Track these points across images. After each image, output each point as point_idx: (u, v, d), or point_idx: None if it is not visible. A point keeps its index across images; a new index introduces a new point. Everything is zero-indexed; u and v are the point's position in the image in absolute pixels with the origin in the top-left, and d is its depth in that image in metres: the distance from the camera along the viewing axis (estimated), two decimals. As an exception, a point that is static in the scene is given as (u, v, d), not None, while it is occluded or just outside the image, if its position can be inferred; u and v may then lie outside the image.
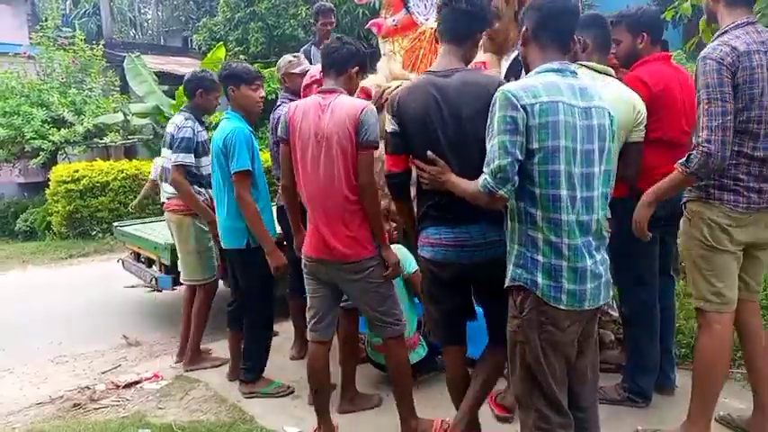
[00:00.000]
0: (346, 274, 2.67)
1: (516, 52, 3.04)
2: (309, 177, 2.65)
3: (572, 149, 1.83)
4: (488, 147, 1.86)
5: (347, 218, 2.61)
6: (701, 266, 2.49)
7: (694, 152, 2.31)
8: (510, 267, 1.95)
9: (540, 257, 1.87)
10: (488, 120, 1.89)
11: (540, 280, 1.86)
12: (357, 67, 2.75)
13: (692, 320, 3.54)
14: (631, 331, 3.02)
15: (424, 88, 2.26)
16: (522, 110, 1.80)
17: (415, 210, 2.48)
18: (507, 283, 1.96)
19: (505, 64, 3.08)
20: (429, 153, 2.18)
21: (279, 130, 2.79)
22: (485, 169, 1.87)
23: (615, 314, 3.46)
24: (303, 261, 2.80)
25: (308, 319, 2.84)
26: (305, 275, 2.81)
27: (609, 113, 1.96)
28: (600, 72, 2.70)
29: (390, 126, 2.32)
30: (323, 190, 2.61)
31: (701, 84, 2.31)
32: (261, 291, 3.43)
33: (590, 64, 2.71)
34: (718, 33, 2.41)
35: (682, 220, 2.62)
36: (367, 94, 3.37)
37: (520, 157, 1.81)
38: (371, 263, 2.64)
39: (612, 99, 2.25)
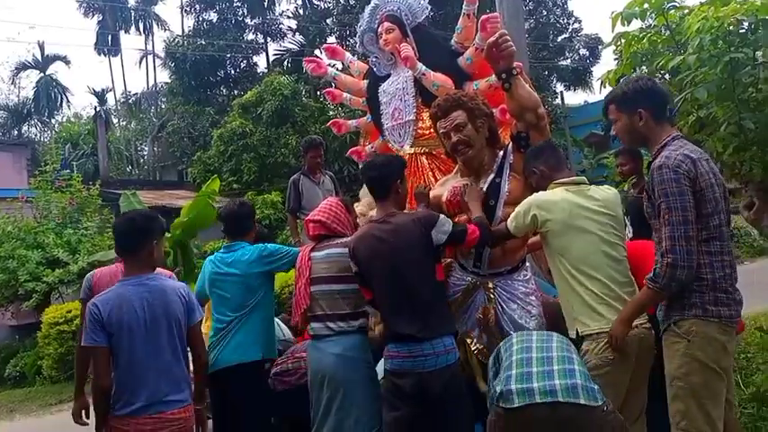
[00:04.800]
0: None
1: (492, 175, 3.14)
2: None
3: None
4: None
5: None
6: (701, 394, 2.27)
7: (659, 265, 2.24)
8: None
9: None
10: None
11: None
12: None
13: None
14: None
15: (369, 235, 2.91)
16: None
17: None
18: None
19: (484, 186, 3.17)
20: None
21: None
22: None
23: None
24: None
25: None
26: None
27: None
28: None
29: (353, 267, 2.97)
30: None
31: (660, 193, 2.27)
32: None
33: None
34: (659, 147, 2.40)
35: (669, 343, 2.42)
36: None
37: None
38: None
39: None
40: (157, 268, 2.87)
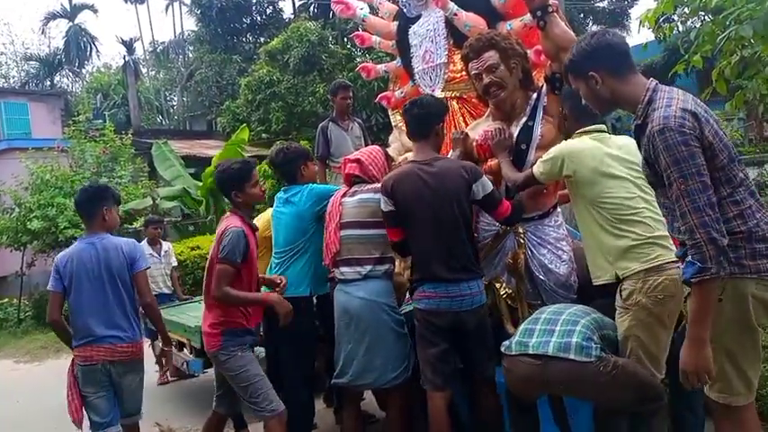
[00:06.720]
0: None
1: (525, 118, 3.08)
2: None
3: None
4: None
5: None
6: (736, 354, 2.07)
7: (696, 251, 1.92)
8: None
9: None
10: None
11: None
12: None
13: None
14: None
15: (413, 175, 2.91)
16: None
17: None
18: None
19: (516, 130, 3.12)
20: None
21: None
22: None
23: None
24: None
25: None
26: None
27: None
28: None
29: (386, 207, 2.97)
30: None
31: (669, 161, 1.96)
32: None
33: None
34: (642, 105, 2.11)
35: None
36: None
37: None
38: None
39: None
40: None
